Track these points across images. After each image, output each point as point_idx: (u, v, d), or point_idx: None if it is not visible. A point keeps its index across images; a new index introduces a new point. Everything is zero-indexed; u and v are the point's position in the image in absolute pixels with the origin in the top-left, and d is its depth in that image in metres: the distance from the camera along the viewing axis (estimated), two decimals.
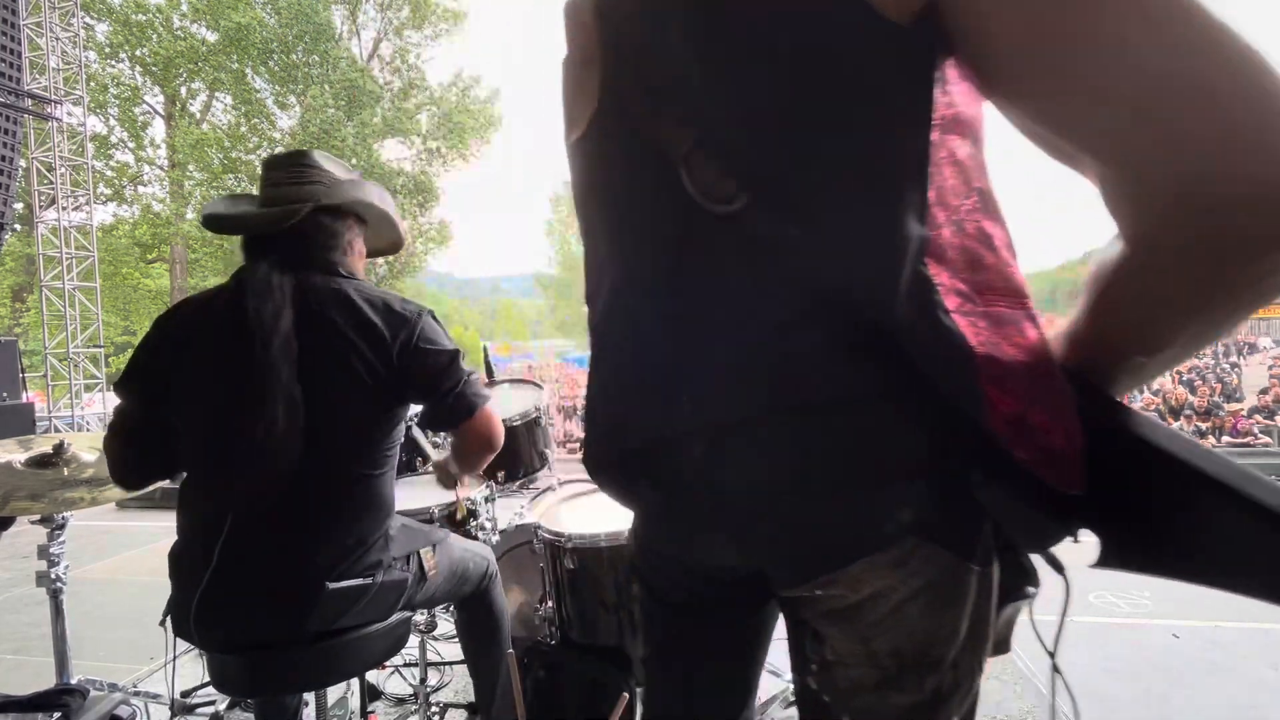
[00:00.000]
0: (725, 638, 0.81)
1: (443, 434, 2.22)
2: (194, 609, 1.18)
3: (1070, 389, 0.54)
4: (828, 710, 0.63)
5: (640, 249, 0.69)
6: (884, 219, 0.53)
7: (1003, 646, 0.67)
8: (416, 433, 2.02)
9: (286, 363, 1.16)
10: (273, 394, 1.14)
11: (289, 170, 1.33)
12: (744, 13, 0.55)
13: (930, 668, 0.59)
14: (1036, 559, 0.64)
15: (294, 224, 1.27)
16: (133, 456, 1.31)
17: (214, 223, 1.33)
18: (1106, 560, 0.57)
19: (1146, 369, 0.56)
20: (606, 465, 0.76)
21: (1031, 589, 0.64)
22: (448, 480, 1.66)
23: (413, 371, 1.28)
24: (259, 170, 1.41)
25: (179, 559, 1.24)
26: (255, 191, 1.38)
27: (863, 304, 0.54)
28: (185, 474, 1.29)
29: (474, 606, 1.64)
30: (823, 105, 0.54)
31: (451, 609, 1.84)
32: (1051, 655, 0.64)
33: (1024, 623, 0.67)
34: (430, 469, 1.88)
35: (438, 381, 1.31)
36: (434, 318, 1.36)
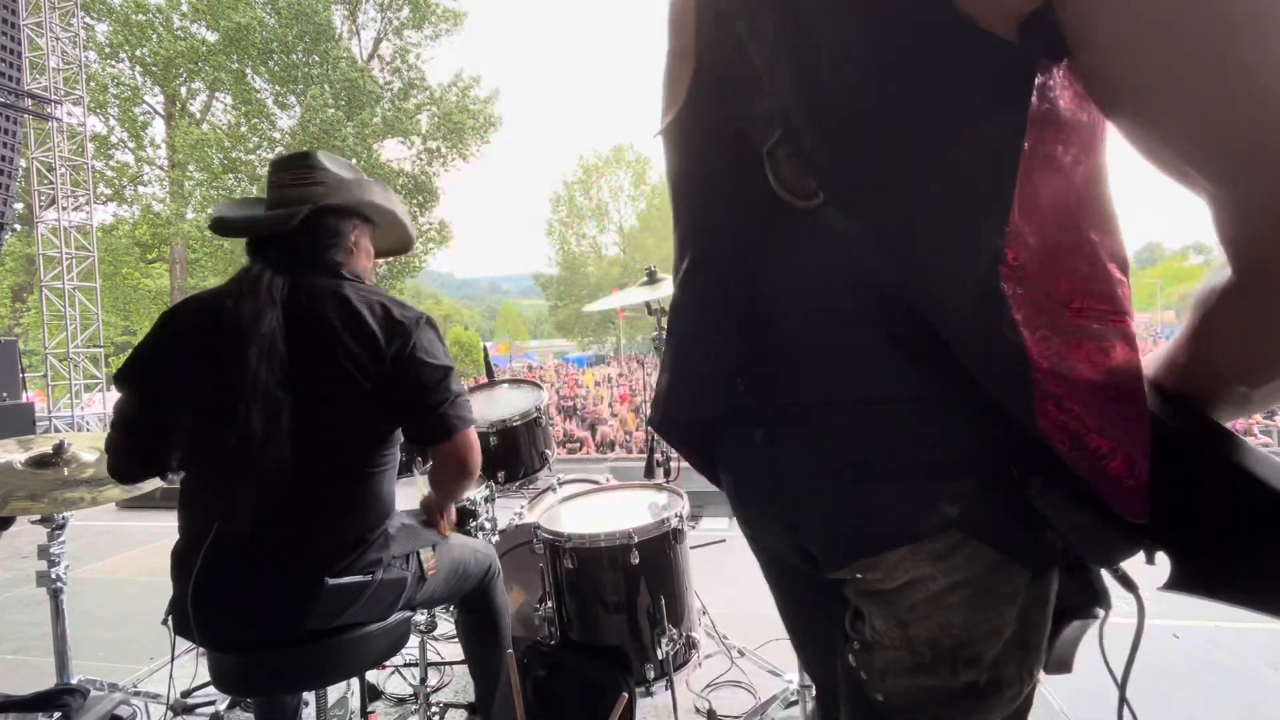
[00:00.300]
0: (808, 596, 0.82)
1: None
2: (196, 605, 1.19)
3: (1147, 416, 0.53)
4: (863, 687, 0.65)
5: (717, 234, 0.72)
6: (954, 229, 0.54)
7: (1064, 666, 0.66)
8: (415, 472, 2.01)
9: (265, 364, 1.16)
10: (245, 398, 1.14)
11: (293, 172, 1.34)
12: (833, 16, 0.56)
13: (967, 663, 0.60)
14: (1107, 577, 0.63)
15: (294, 225, 1.28)
16: (131, 450, 1.31)
17: (220, 226, 1.34)
18: (1176, 585, 0.56)
19: (1250, 400, 0.54)
20: (670, 434, 0.82)
21: (1100, 610, 0.62)
22: (430, 515, 1.52)
23: (402, 381, 1.26)
24: (259, 170, 1.43)
25: (180, 558, 1.24)
26: (260, 193, 1.39)
27: (924, 308, 0.55)
28: (184, 473, 1.30)
29: (475, 605, 1.64)
30: (903, 113, 0.54)
31: (452, 608, 1.84)
32: (1121, 688, 0.63)
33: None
34: (428, 471, 1.88)
35: (424, 396, 1.28)
36: (433, 326, 1.34)
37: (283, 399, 1.17)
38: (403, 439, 1.37)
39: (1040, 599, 0.61)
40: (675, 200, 0.78)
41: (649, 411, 0.83)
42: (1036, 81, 0.50)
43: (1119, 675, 0.62)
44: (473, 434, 1.36)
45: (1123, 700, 0.62)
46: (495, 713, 1.64)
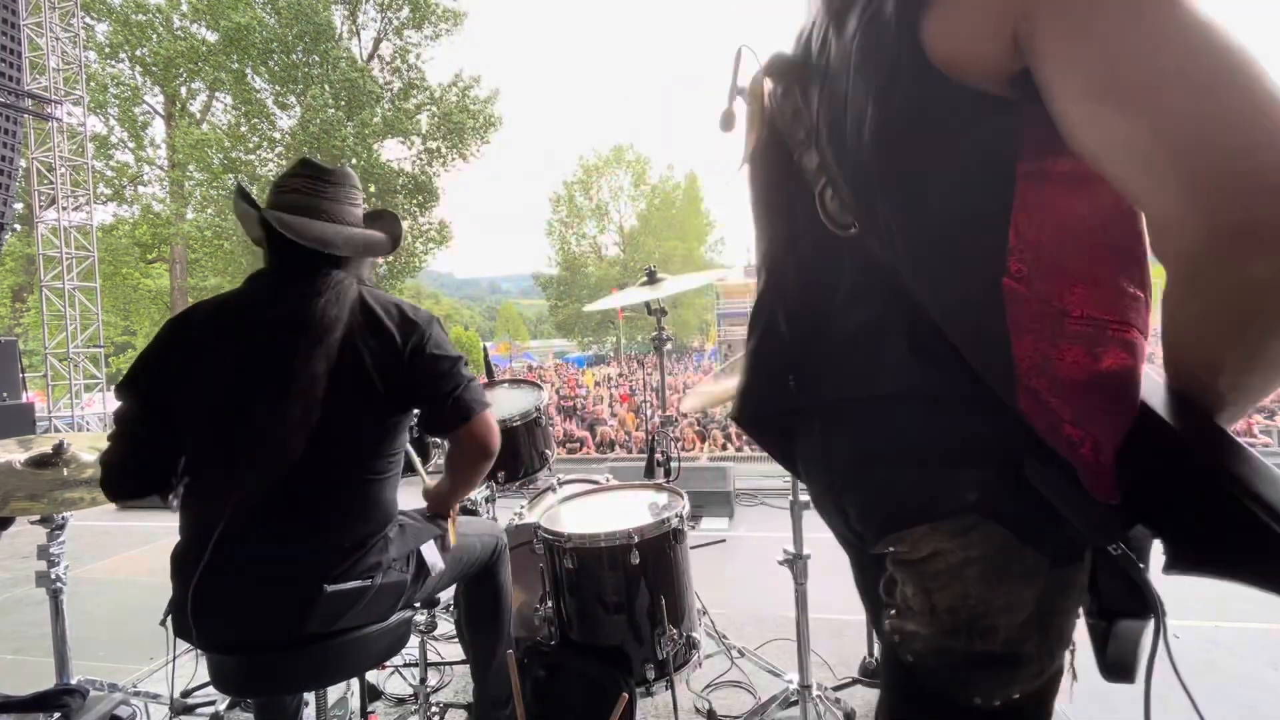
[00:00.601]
0: (872, 571, 0.90)
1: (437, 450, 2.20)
2: (196, 607, 1.19)
3: (1130, 412, 0.60)
4: (895, 650, 0.74)
5: (783, 254, 0.86)
6: (957, 250, 0.65)
7: (1123, 671, 0.69)
8: (412, 456, 2.01)
9: (324, 365, 1.21)
10: (299, 387, 1.19)
11: (346, 189, 1.38)
12: (852, 92, 0.71)
13: (983, 632, 0.67)
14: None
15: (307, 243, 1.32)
16: (131, 463, 1.29)
17: (315, 238, 1.30)
18: (1171, 567, 0.60)
19: (1225, 400, 0.57)
20: (749, 429, 0.95)
21: (1151, 615, 0.64)
22: (440, 506, 1.54)
23: (419, 374, 1.30)
24: (259, 170, 1.44)
25: (180, 558, 1.24)
26: (260, 191, 1.39)
27: (936, 314, 0.66)
28: (188, 476, 1.29)
29: (478, 582, 1.66)
30: (910, 168, 0.67)
31: (452, 608, 1.85)
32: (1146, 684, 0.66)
33: None
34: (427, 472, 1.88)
35: (440, 384, 1.33)
36: (441, 324, 1.40)
37: (317, 400, 1.20)
38: (408, 443, 1.39)
39: (1062, 585, 0.67)
40: (754, 221, 0.94)
41: (733, 408, 0.97)
42: (1020, 131, 0.61)
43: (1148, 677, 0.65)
44: (490, 416, 1.40)
45: (1148, 697, 0.65)
46: (489, 690, 1.65)
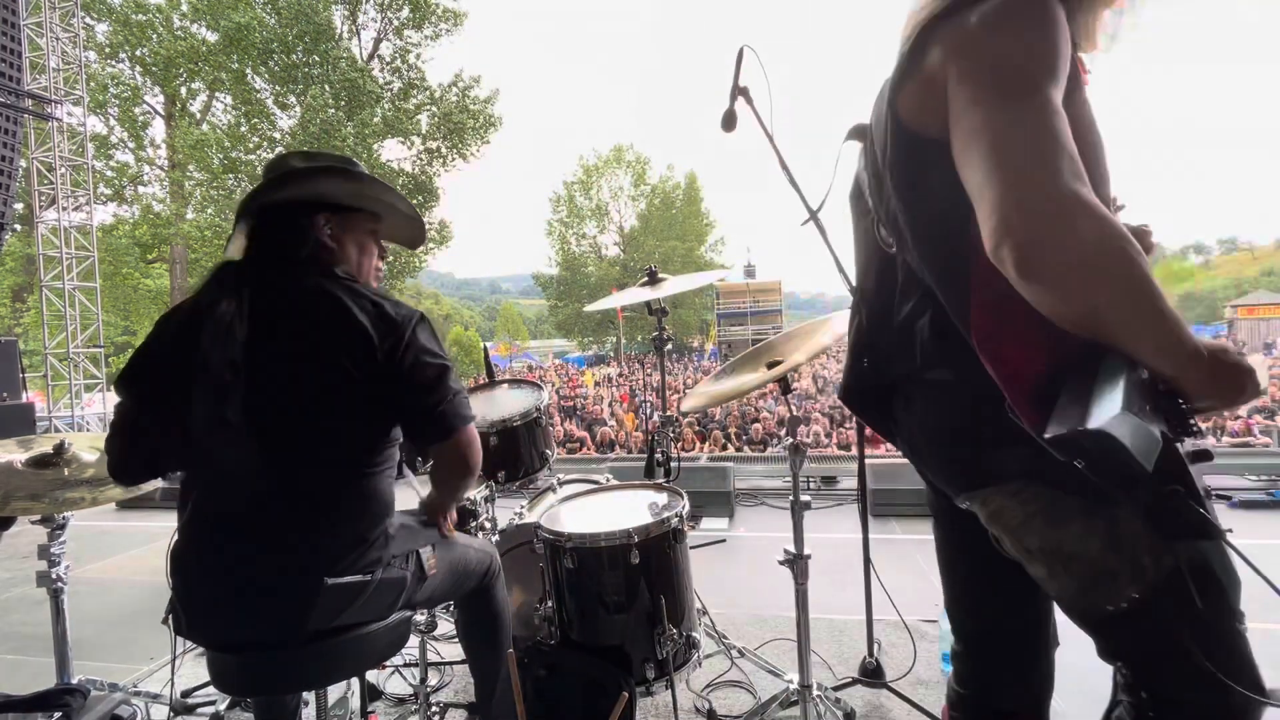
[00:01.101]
0: (961, 538, 1.12)
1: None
2: (197, 605, 1.19)
3: (1036, 352, 0.82)
4: (1043, 587, 0.94)
5: (866, 268, 1.14)
6: (951, 253, 0.91)
7: (1208, 578, 0.83)
8: (408, 473, 2.01)
9: (308, 361, 1.21)
10: (285, 383, 1.19)
11: (266, 178, 1.35)
12: (878, 145, 1.02)
13: (1073, 560, 0.87)
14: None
15: (254, 227, 1.33)
16: (130, 452, 1.30)
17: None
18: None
19: (1076, 325, 0.76)
20: (848, 404, 1.19)
21: (1207, 535, 0.75)
22: (435, 515, 1.52)
23: (397, 379, 1.25)
24: (259, 170, 1.43)
25: (179, 557, 1.24)
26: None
27: (938, 294, 0.93)
28: (183, 473, 1.30)
29: (476, 604, 1.64)
30: (906, 196, 0.97)
31: (452, 608, 1.84)
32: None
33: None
34: (428, 471, 1.88)
35: (420, 395, 1.27)
36: (428, 324, 1.32)
37: (232, 389, 1.18)
38: (399, 438, 1.37)
39: (1111, 516, 0.84)
40: (854, 252, 1.21)
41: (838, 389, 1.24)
42: None
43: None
44: (472, 431, 1.34)
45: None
46: (495, 711, 1.63)
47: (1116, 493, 0.74)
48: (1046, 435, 0.71)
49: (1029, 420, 0.78)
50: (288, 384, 1.21)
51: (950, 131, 0.85)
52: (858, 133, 1.12)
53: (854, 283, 1.20)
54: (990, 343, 0.84)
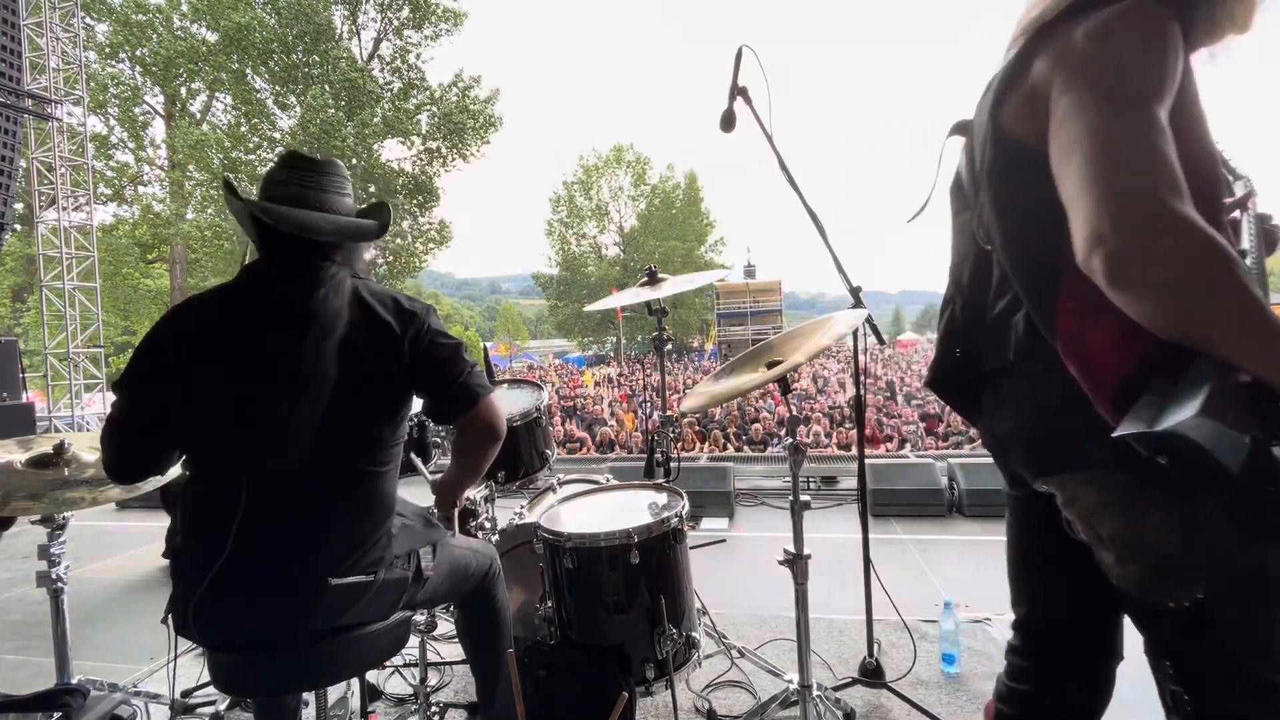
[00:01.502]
0: (1034, 521, 1.15)
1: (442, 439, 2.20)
2: (197, 605, 1.18)
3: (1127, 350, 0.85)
4: (1108, 573, 0.94)
5: (961, 263, 1.16)
6: (1038, 255, 0.94)
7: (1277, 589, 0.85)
8: (415, 459, 2.01)
9: (330, 359, 1.23)
10: (309, 382, 1.21)
11: (332, 178, 1.37)
12: (978, 147, 1.04)
13: (1143, 550, 0.86)
14: None
15: (270, 230, 1.32)
16: (134, 450, 1.29)
17: (296, 225, 1.28)
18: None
19: (1172, 334, 0.77)
20: (938, 392, 1.24)
21: None
22: (449, 498, 1.57)
23: (421, 364, 1.32)
24: (259, 170, 1.43)
25: (181, 557, 1.24)
26: (257, 184, 1.39)
27: (1027, 298, 0.97)
28: (188, 474, 1.29)
29: (475, 605, 1.64)
30: (1001, 200, 1.00)
31: (452, 608, 1.84)
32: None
33: None
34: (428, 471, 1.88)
35: (443, 372, 1.35)
36: (435, 314, 1.41)
37: (326, 395, 1.23)
38: (404, 438, 1.38)
39: (1191, 511, 0.83)
40: (950, 245, 1.24)
41: (927, 376, 1.28)
42: None
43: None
44: (494, 400, 1.42)
45: None
46: (495, 711, 1.63)
47: (1202, 491, 0.76)
48: (1116, 434, 0.74)
49: (1111, 420, 0.81)
50: (317, 385, 1.22)
51: (1049, 141, 0.87)
52: (961, 128, 1.15)
53: (950, 276, 1.24)
54: (1075, 346, 0.87)
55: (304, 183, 1.33)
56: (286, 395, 1.20)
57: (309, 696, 1.58)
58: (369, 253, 1.60)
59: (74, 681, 2.06)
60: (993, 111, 0.98)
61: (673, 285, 2.53)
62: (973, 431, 8.52)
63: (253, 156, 18.26)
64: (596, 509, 2.10)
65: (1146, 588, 0.89)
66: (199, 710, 2.18)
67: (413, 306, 1.36)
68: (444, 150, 21.19)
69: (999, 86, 0.98)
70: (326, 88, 17.95)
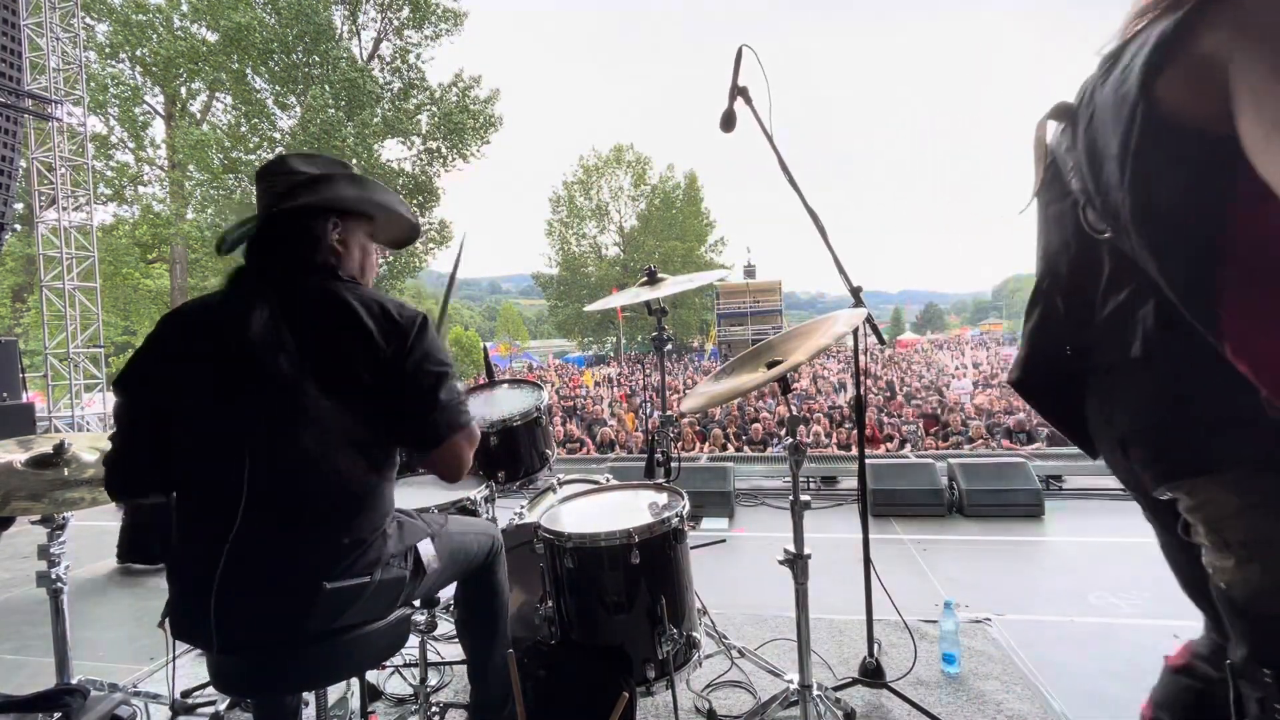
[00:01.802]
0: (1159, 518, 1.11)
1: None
2: (200, 611, 1.18)
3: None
4: (1210, 579, 0.94)
5: (1059, 254, 1.12)
6: (1184, 244, 0.88)
7: None
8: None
9: (317, 364, 1.21)
10: (298, 387, 1.20)
11: (267, 181, 1.35)
12: (1100, 132, 0.97)
13: (1276, 559, 0.84)
14: None
15: (266, 233, 1.32)
16: (129, 463, 1.28)
17: (220, 246, 1.40)
18: None
19: None
20: (1025, 392, 1.20)
21: None
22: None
23: (398, 384, 1.26)
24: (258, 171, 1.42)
25: (178, 561, 1.24)
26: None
27: (1170, 293, 0.88)
28: (187, 479, 1.29)
29: (475, 582, 1.65)
30: (1142, 186, 0.90)
31: (452, 609, 1.84)
32: None
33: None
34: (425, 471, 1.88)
35: (416, 401, 1.28)
36: (430, 327, 1.34)
37: (316, 398, 1.20)
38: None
39: None
40: (1038, 236, 1.20)
41: (1007, 375, 1.20)
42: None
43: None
44: (460, 443, 1.33)
45: None
46: (487, 690, 1.65)
47: None
48: None
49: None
50: (303, 389, 1.21)
51: (1240, 119, 0.79)
52: (1062, 112, 1.09)
53: (1041, 271, 1.18)
54: (1247, 340, 0.82)
55: (258, 194, 1.35)
56: (278, 400, 1.19)
57: (309, 696, 1.58)
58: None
59: (74, 681, 2.06)
60: (1143, 86, 0.88)
61: (673, 285, 2.53)
62: (972, 431, 8.51)
63: (253, 156, 18.25)
64: (597, 509, 2.10)
65: (1266, 594, 0.86)
66: (199, 710, 2.18)
67: (402, 317, 1.27)
68: (444, 150, 21.19)
69: (1153, 59, 0.88)
70: (326, 88, 17.94)
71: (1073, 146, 1.05)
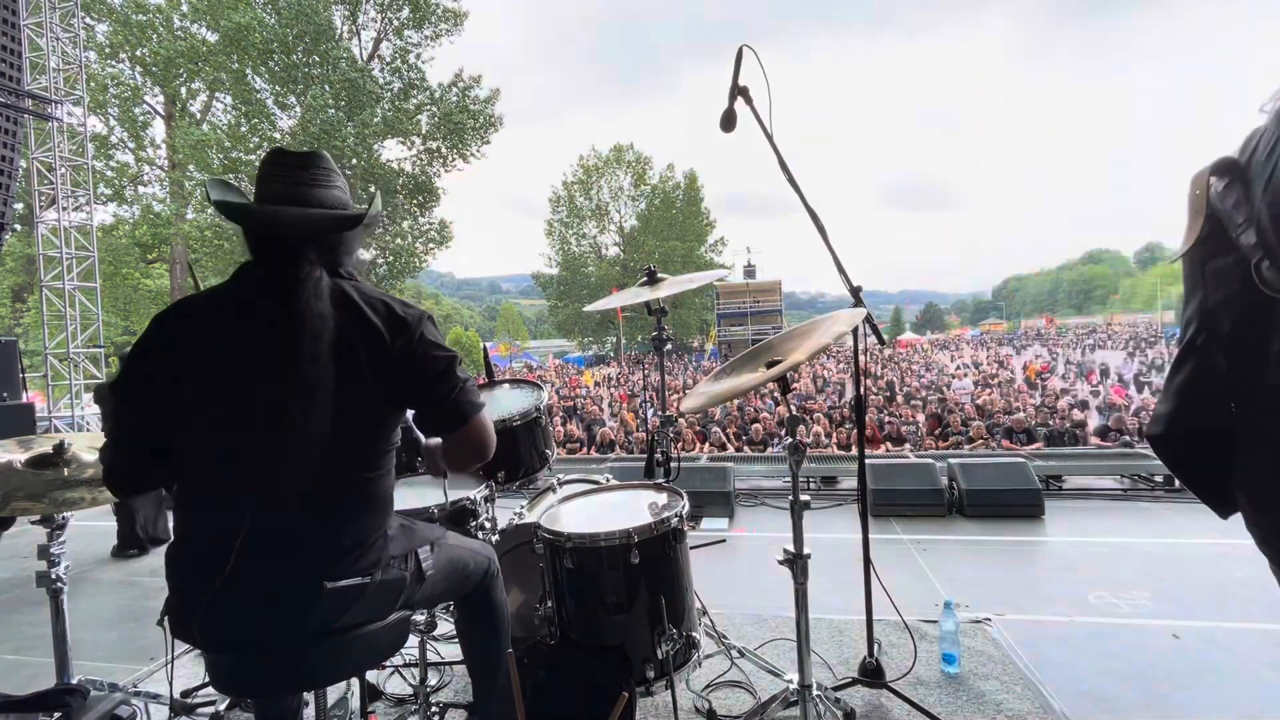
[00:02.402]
0: None
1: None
2: (202, 610, 1.18)
3: None
4: None
5: (1221, 309, 1.09)
6: None
7: None
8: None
9: (323, 362, 1.20)
10: (309, 385, 1.19)
11: (312, 172, 1.32)
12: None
13: None
14: None
15: (354, 229, 1.32)
16: (125, 463, 1.28)
17: (253, 218, 1.29)
18: None
19: None
20: (1165, 449, 1.16)
21: None
22: (436, 469, 1.63)
23: (410, 375, 1.28)
24: (258, 171, 1.40)
25: (179, 560, 1.24)
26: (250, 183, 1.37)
27: None
28: (188, 476, 1.28)
29: (474, 605, 1.64)
30: None
31: (452, 608, 1.84)
32: None
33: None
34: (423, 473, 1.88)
35: (434, 386, 1.30)
36: (432, 322, 1.36)
37: (325, 395, 1.20)
38: (399, 442, 1.37)
39: None
40: (1186, 289, 1.17)
41: (1146, 427, 1.16)
42: None
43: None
44: (485, 419, 1.38)
45: None
46: (494, 711, 1.63)
47: None
48: None
49: None
50: (308, 388, 1.20)
51: None
52: (1226, 168, 1.09)
53: (1196, 326, 1.17)
54: None
55: (289, 179, 1.30)
56: (281, 400, 1.18)
57: (309, 696, 1.58)
58: (366, 253, 1.53)
59: (74, 681, 2.06)
60: None
61: (672, 285, 2.53)
62: (972, 431, 8.51)
63: (253, 156, 18.23)
64: (596, 509, 2.10)
65: None
66: (199, 710, 2.18)
67: (405, 314, 1.30)
68: (444, 150, 21.20)
69: None
70: (326, 88, 17.95)
71: (1243, 202, 1.04)
